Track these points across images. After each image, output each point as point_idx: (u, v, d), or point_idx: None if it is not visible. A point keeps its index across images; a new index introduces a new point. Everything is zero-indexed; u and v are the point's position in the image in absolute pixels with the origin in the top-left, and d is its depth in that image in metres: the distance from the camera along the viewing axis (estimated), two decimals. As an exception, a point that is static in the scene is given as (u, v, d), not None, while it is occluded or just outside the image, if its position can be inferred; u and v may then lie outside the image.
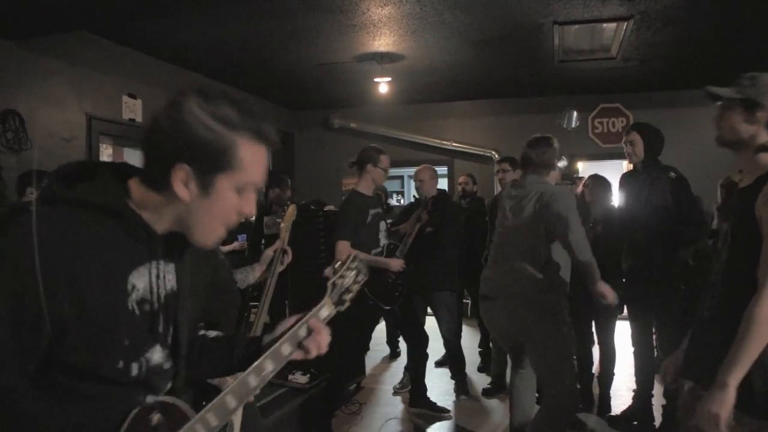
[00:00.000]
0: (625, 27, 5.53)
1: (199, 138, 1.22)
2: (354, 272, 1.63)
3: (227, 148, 1.24)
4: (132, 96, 6.08)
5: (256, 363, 1.43)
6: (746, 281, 2.04)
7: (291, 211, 3.09)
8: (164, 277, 1.36)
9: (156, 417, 1.31)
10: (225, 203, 1.29)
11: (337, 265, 1.61)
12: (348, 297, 1.61)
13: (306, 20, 5.29)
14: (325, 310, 1.56)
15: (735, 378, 1.96)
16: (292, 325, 1.51)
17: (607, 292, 3.46)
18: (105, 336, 1.22)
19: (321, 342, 1.52)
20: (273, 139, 1.32)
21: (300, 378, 5.13)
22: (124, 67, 6.00)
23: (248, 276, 2.92)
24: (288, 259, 2.89)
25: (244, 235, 6.64)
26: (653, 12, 5.16)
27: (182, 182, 1.24)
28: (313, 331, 1.50)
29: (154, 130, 1.27)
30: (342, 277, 1.60)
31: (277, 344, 1.47)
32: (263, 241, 6.52)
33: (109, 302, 1.22)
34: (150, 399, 1.34)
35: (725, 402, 1.95)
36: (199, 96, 1.26)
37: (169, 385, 1.41)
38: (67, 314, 1.16)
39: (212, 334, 1.70)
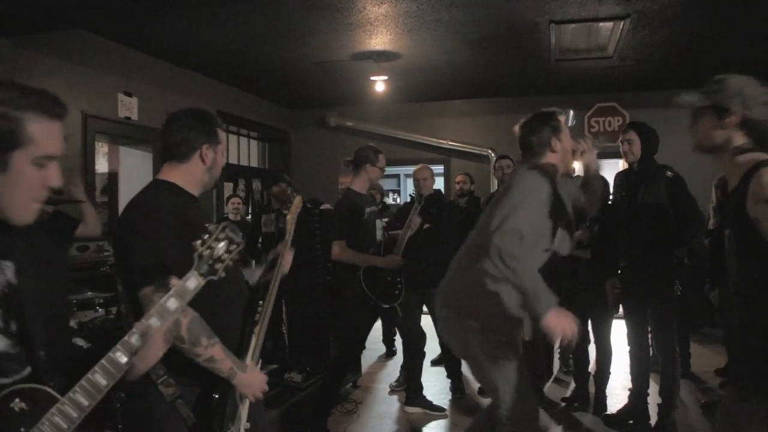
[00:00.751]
0: (621, 26, 5.53)
1: None
2: (225, 242, 1.63)
3: (12, 127, 1.31)
4: (128, 94, 6.06)
5: (123, 339, 1.43)
6: (763, 283, 2.06)
7: (297, 202, 3.06)
8: None
9: (18, 404, 1.32)
10: (26, 178, 1.35)
11: (205, 237, 1.62)
12: (221, 266, 1.61)
13: (303, 18, 5.28)
14: (192, 281, 1.56)
15: None
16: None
17: (556, 325, 2.55)
18: None
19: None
20: (59, 110, 1.39)
21: (295, 377, 5.14)
22: (119, 65, 5.98)
23: (249, 278, 2.88)
24: (287, 260, 2.85)
25: (240, 234, 6.63)
26: (650, 11, 5.17)
27: None
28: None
29: None
30: (210, 248, 1.61)
31: (145, 317, 1.49)
32: (260, 240, 6.53)
33: None
34: (1, 381, 1.35)
35: None
36: None
37: (27, 370, 1.41)
38: None
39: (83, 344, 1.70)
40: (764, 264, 2.06)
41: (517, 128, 3.12)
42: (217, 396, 2.13)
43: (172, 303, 1.52)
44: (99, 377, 1.38)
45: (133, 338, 1.44)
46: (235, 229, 1.68)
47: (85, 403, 1.36)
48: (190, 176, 2.27)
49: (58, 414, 1.33)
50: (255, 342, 2.37)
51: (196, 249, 1.60)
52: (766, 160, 2.08)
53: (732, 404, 2.33)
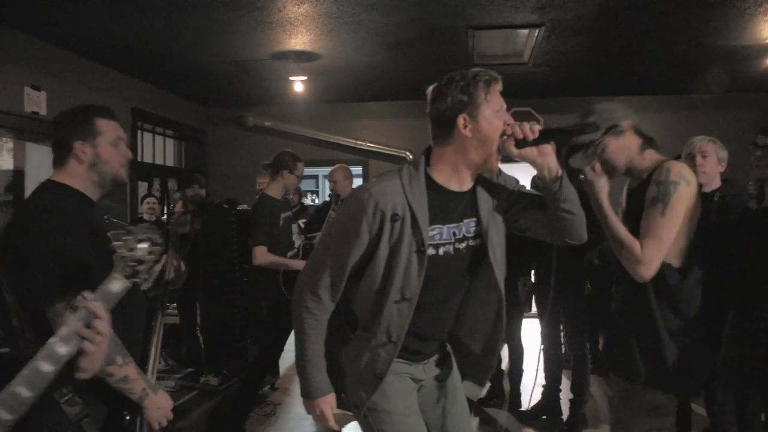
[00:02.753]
0: (536, 34, 5.70)
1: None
2: (146, 243, 1.60)
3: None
4: (36, 88, 5.80)
5: (45, 348, 1.38)
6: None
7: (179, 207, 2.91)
8: None
9: None
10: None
11: (126, 237, 1.58)
12: (143, 268, 1.57)
13: (221, 15, 5.19)
14: (117, 284, 1.52)
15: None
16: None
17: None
18: None
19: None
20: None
21: (212, 380, 5.05)
22: (26, 57, 5.71)
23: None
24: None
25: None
26: (563, 21, 5.35)
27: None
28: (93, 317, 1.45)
29: None
30: (131, 249, 1.56)
31: (66, 325, 1.43)
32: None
33: None
34: None
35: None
36: None
37: None
38: None
39: None
40: None
41: None
42: (128, 416, 2.02)
43: (96, 307, 1.46)
44: (21, 389, 1.31)
45: (57, 347, 1.37)
46: (156, 230, 1.64)
47: (6, 417, 1.29)
48: (76, 178, 2.08)
49: None
50: (153, 355, 2.29)
51: (116, 250, 1.54)
52: (666, 159, 2.41)
53: (618, 394, 2.47)
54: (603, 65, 6.87)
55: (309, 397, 2.09)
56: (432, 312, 2.10)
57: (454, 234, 2.06)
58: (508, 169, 2.16)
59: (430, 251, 2.00)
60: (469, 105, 1.97)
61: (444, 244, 2.05)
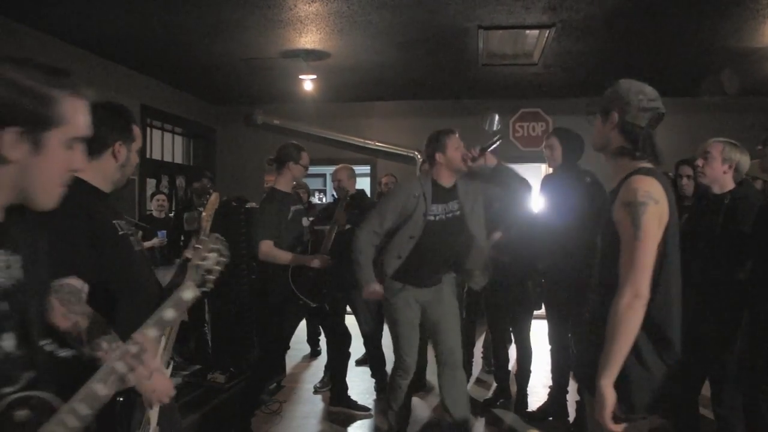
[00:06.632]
0: (547, 34, 5.68)
1: (19, 99, 1.24)
2: (215, 254, 1.65)
3: (49, 105, 1.28)
4: (46, 84, 5.81)
5: (122, 348, 1.45)
6: (616, 283, 2.11)
7: (213, 199, 2.92)
8: (6, 267, 1.32)
9: (21, 413, 1.28)
10: (57, 159, 1.32)
11: (197, 246, 1.64)
12: (210, 278, 1.64)
13: (232, 13, 5.20)
14: (189, 292, 1.58)
15: (610, 379, 2.05)
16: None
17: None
18: None
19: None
20: (85, 90, 1.37)
21: (219, 377, 5.06)
22: (32, 51, 5.69)
23: (166, 278, 2.77)
24: None
25: (164, 232, 6.49)
26: (574, 21, 5.33)
27: (10, 144, 1.24)
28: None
29: None
30: (204, 258, 1.63)
31: (143, 327, 1.51)
32: (182, 238, 6.39)
33: None
34: (6, 390, 1.29)
35: (605, 405, 2.04)
36: (9, 62, 1.27)
37: (27, 376, 1.36)
38: None
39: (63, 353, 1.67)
40: (617, 266, 2.13)
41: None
42: (121, 399, 2.01)
43: (169, 313, 1.53)
44: (99, 386, 1.37)
45: (133, 348, 1.45)
46: (223, 241, 1.70)
47: (85, 412, 1.33)
48: (99, 173, 2.19)
49: (58, 424, 1.30)
50: (164, 344, 2.30)
51: (189, 258, 1.61)
52: (640, 168, 2.20)
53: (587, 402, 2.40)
54: (613, 67, 6.83)
55: None
56: None
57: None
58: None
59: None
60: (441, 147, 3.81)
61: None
